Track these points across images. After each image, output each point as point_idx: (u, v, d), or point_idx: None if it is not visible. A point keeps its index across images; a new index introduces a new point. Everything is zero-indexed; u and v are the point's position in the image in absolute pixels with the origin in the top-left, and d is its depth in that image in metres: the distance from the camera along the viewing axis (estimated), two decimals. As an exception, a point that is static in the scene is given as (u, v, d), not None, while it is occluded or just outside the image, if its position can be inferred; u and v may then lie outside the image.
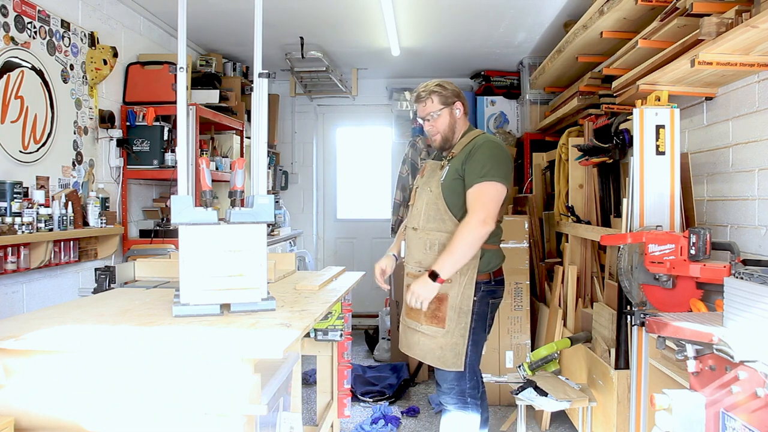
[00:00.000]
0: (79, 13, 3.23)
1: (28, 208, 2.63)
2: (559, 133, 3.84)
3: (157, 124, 3.59)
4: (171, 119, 3.67)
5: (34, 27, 2.85)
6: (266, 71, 1.89)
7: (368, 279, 2.77)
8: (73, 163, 3.16)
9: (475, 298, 2.27)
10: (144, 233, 3.70)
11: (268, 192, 3.73)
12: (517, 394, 2.65)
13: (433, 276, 2.19)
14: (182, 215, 1.67)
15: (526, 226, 3.69)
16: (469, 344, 2.29)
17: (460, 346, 2.27)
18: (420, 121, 2.49)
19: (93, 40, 3.31)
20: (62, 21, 3.06)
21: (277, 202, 5.16)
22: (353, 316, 3.59)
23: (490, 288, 2.33)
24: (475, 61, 5.18)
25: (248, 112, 4.72)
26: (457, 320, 2.26)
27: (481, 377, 2.42)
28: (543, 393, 2.60)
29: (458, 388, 2.34)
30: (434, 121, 2.41)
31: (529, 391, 2.62)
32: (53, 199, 2.84)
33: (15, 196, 2.55)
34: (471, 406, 2.36)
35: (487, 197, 2.21)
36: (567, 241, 3.37)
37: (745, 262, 1.69)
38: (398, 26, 4.14)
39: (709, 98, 2.50)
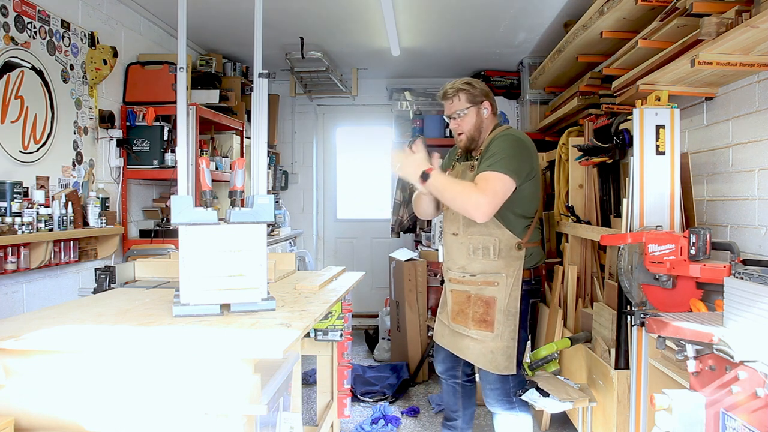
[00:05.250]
0: (79, 13, 3.23)
1: (28, 208, 2.63)
2: (559, 133, 3.84)
3: (157, 124, 3.59)
4: (171, 119, 3.67)
5: (34, 27, 2.85)
6: (266, 71, 1.89)
7: (368, 279, 2.77)
8: (73, 163, 3.16)
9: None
10: (144, 233, 3.70)
11: (268, 192, 3.73)
12: (520, 395, 2.65)
13: (425, 176, 2.15)
14: (182, 215, 1.67)
15: (526, 226, 3.68)
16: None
17: (512, 349, 2.24)
18: (446, 119, 2.42)
19: (93, 40, 3.31)
20: (62, 21, 3.06)
21: (277, 202, 5.17)
22: (353, 316, 3.59)
23: (531, 287, 2.30)
24: (475, 61, 5.18)
25: (248, 112, 4.72)
26: (505, 323, 2.23)
27: (524, 376, 2.42)
28: (545, 394, 2.60)
29: (502, 389, 2.32)
30: (460, 119, 2.33)
31: (532, 392, 2.61)
32: (53, 199, 2.84)
33: (15, 196, 2.55)
34: (518, 406, 2.35)
35: (490, 186, 2.11)
36: (567, 241, 3.37)
37: (745, 262, 1.69)
38: (398, 26, 4.14)
39: (709, 98, 2.50)
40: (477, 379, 2.54)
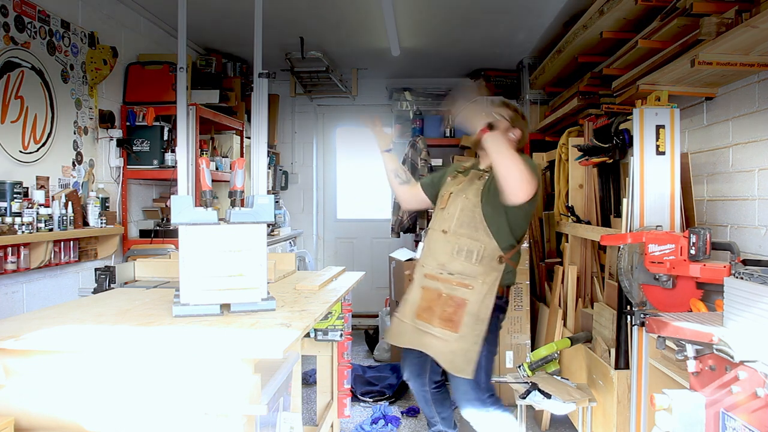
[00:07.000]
0: (79, 13, 3.23)
1: (28, 208, 2.63)
2: (559, 133, 3.84)
3: (157, 124, 3.59)
4: (171, 119, 3.67)
5: (34, 27, 2.85)
6: (266, 71, 1.90)
7: (368, 279, 2.77)
8: (73, 163, 3.16)
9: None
10: (144, 233, 3.70)
11: (268, 192, 3.73)
12: (523, 398, 2.65)
13: (491, 126, 2.21)
14: (182, 215, 1.67)
15: (526, 226, 3.67)
16: (483, 354, 2.29)
17: (472, 353, 2.26)
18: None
19: (93, 40, 3.31)
20: (62, 21, 3.06)
21: (277, 202, 5.16)
22: (353, 316, 3.59)
23: (501, 303, 2.36)
24: (475, 61, 5.18)
25: (248, 112, 4.71)
26: (473, 326, 2.26)
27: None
28: (547, 395, 2.59)
29: (474, 397, 2.34)
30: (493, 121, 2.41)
31: (534, 394, 2.61)
32: (53, 199, 2.84)
33: (15, 196, 2.55)
34: (492, 405, 2.38)
35: (534, 176, 2.17)
36: (567, 241, 3.37)
37: (745, 262, 1.69)
38: (398, 26, 4.14)
39: (709, 98, 2.50)
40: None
